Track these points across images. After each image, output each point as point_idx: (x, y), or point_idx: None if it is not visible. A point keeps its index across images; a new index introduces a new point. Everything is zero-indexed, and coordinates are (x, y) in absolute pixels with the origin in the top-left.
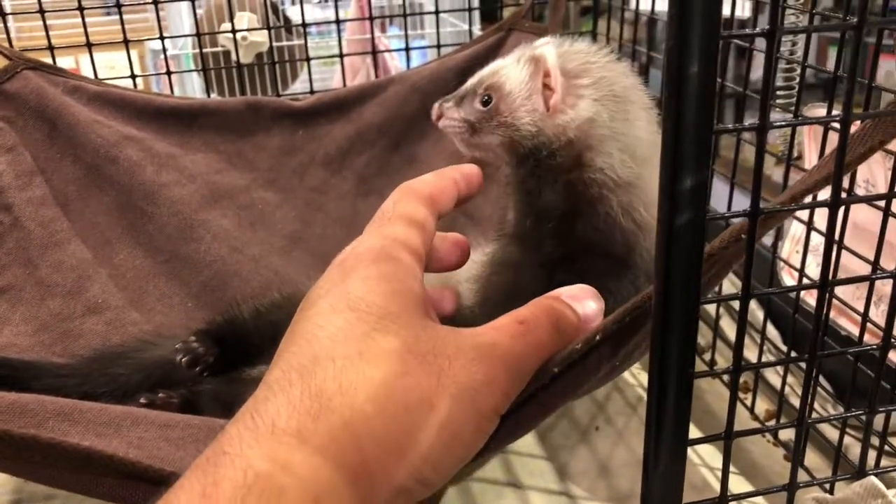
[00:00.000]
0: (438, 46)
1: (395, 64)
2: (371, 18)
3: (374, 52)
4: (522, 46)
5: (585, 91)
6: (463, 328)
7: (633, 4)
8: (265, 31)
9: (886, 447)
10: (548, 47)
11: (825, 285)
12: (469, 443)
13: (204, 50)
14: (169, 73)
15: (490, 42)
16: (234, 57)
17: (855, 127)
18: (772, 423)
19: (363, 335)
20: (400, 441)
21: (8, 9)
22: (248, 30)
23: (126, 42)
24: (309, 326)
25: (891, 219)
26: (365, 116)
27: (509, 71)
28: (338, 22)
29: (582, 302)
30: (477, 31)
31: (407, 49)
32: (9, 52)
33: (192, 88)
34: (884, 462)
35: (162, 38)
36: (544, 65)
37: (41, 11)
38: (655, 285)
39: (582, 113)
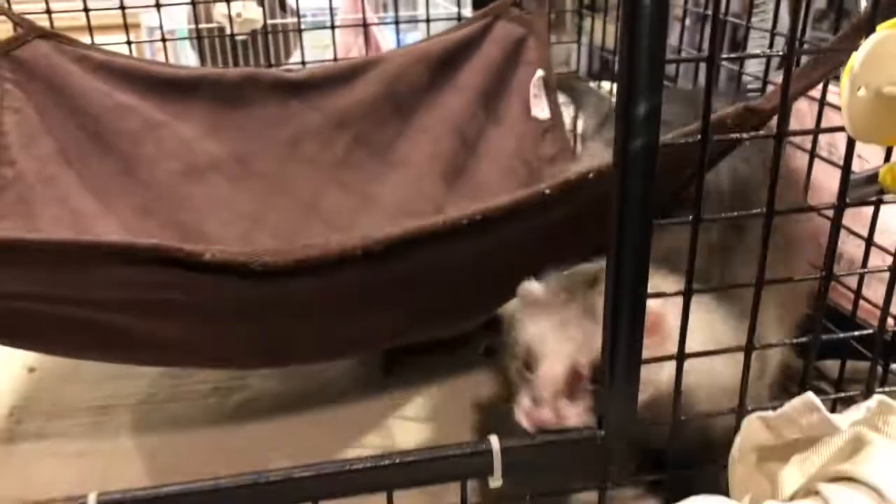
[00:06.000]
0: (428, 21)
1: (388, 45)
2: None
3: (365, 25)
4: (547, 313)
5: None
6: None
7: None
8: (259, 9)
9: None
10: (657, 305)
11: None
12: None
13: (199, 25)
14: (164, 39)
15: (476, 28)
16: (233, 32)
17: None
18: None
19: None
20: None
21: None
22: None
23: (123, 9)
24: None
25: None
26: (356, 90)
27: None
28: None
29: None
30: (468, 14)
31: (397, 23)
32: (20, 21)
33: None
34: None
35: (158, 5)
36: (659, 323)
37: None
38: (614, 206)
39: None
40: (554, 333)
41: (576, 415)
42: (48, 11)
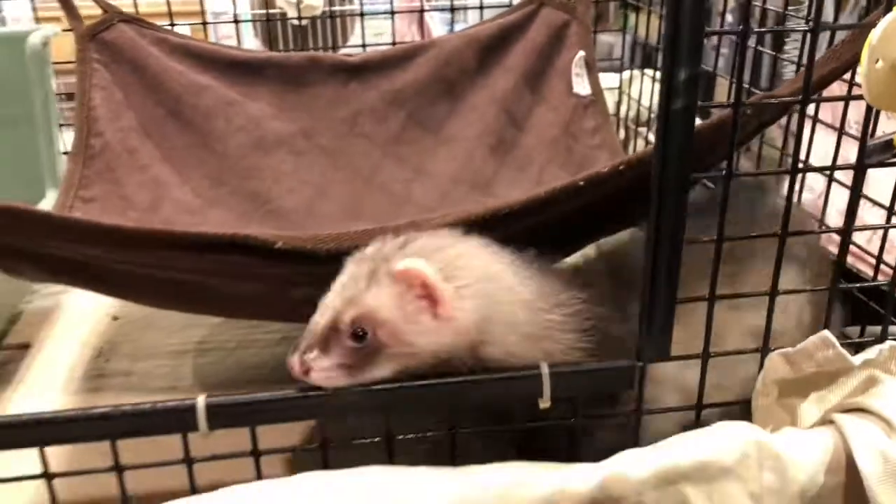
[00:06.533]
0: (482, 8)
1: (439, 32)
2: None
3: (422, 11)
4: (361, 265)
5: (465, 291)
6: None
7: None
8: None
9: None
10: (412, 261)
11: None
12: None
13: (261, 11)
14: (236, 21)
15: (522, 14)
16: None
17: None
18: None
19: None
20: None
21: None
22: None
23: None
24: None
25: None
26: (410, 72)
27: (372, 296)
28: None
29: None
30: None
31: (452, 10)
32: (106, 5)
33: None
34: None
35: None
36: (419, 279)
37: None
38: (654, 162)
39: (471, 312)
40: (337, 286)
41: (321, 370)
42: None
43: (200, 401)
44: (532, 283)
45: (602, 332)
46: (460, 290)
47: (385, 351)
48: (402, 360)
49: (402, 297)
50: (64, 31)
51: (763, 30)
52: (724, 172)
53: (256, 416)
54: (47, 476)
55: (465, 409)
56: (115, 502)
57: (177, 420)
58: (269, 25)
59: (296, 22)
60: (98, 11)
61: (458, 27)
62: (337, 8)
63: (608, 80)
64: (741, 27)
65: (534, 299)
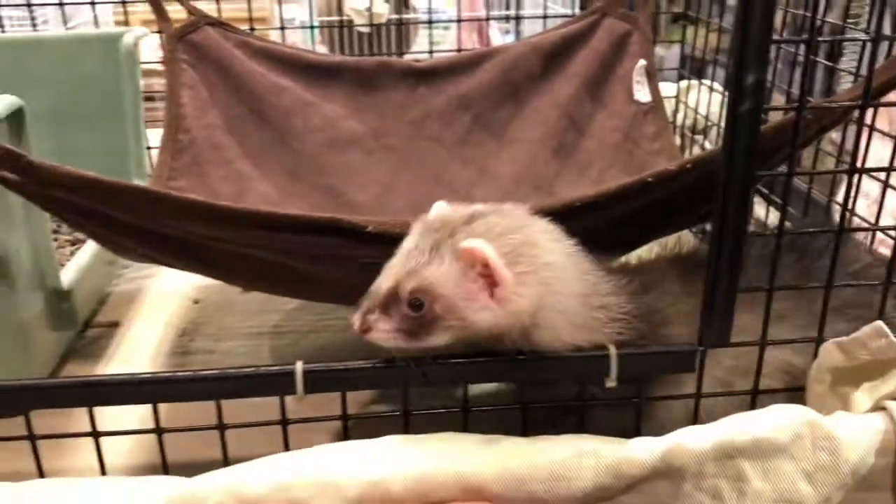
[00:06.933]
0: (545, 18)
1: (497, 41)
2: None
3: (488, 18)
4: (427, 235)
5: (525, 277)
6: None
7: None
8: (386, 5)
9: None
10: (478, 241)
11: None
12: None
13: (329, 18)
14: (312, 27)
15: (585, 23)
16: (357, 23)
17: None
18: None
19: None
20: None
21: None
22: None
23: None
24: None
25: None
26: (476, 77)
27: (433, 270)
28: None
29: None
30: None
31: (517, 18)
32: (193, 9)
33: None
34: None
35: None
36: (482, 260)
37: None
38: (722, 160)
39: (528, 298)
40: (401, 254)
41: (382, 331)
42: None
43: (298, 367)
44: (589, 277)
45: (647, 321)
46: (521, 275)
47: (440, 322)
48: (457, 332)
49: (462, 275)
50: (153, 32)
51: (827, 38)
52: (785, 171)
53: (348, 382)
54: (158, 431)
55: (537, 384)
56: (201, 463)
57: (277, 383)
58: (337, 32)
59: (362, 29)
60: (184, 15)
61: (511, 38)
62: (402, 16)
63: (662, 89)
64: (807, 37)
65: (589, 294)
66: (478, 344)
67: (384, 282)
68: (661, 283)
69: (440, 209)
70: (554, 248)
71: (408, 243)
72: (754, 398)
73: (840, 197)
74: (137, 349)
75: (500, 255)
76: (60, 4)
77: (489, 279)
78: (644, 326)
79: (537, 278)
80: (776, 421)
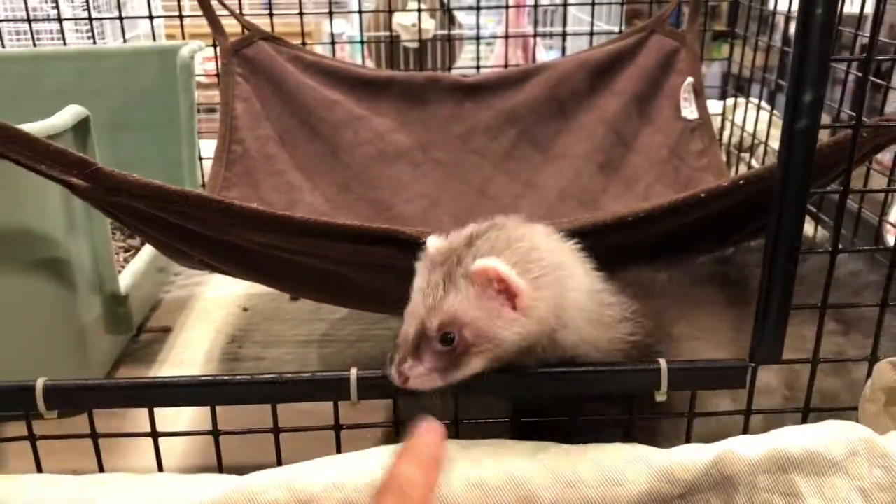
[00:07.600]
0: (591, 35)
1: (542, 57)
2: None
3: (535, 35)
4: (435, 269)
5: (539, 281)
6: None
7: (766, 34)
8: (433, 21)
9: None
10: (487, 260)
11: None
12: None
13: (376, 33)
14: (362, 42)
15: (632, 40)
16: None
17: None
18: None
19: None
20: None
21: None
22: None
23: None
24: None
25: None
26: (523, 92)
27: (452, 301)
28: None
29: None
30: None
31: (564, 35)
32: (249, 24)
33: None
34: None
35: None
36: (496, 276)
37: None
38: (777, 176)
39: (547, 301)
40: (416, 294)
41: (418, 376)
42: (270, 14)
43: (353, 373)
44: (596, 275)
45: (652, 319)
46: (535, 280)
47: (472, 349)
48: (490, 355)
49: (481, 296)
50: (209, 46)
51: (886, 57)
52: (840, 188)
53: (400, 389)
54: (216, 433)
55: (587, 396)
56: (253, 466)
57: (332, 389)
58: (385, 47)
59: (408, 45)
60: (239, 29)
61: (554, 54)
62: (448, 32)
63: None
64: (865, 55)
65: (600, 290)
66: (508, 364)
67: (409, 327)
68: (654, 287)
69: (435, 242)
70: (559, 248)
71: (419, 283)
72: (805, 417)
73: (893, 217)
74: (188, 354)
75: (510, 266)
76: (120, 18)
77: (508, 293)
78: (651, 324)
79: (551, 280)
80: (829, 435)
